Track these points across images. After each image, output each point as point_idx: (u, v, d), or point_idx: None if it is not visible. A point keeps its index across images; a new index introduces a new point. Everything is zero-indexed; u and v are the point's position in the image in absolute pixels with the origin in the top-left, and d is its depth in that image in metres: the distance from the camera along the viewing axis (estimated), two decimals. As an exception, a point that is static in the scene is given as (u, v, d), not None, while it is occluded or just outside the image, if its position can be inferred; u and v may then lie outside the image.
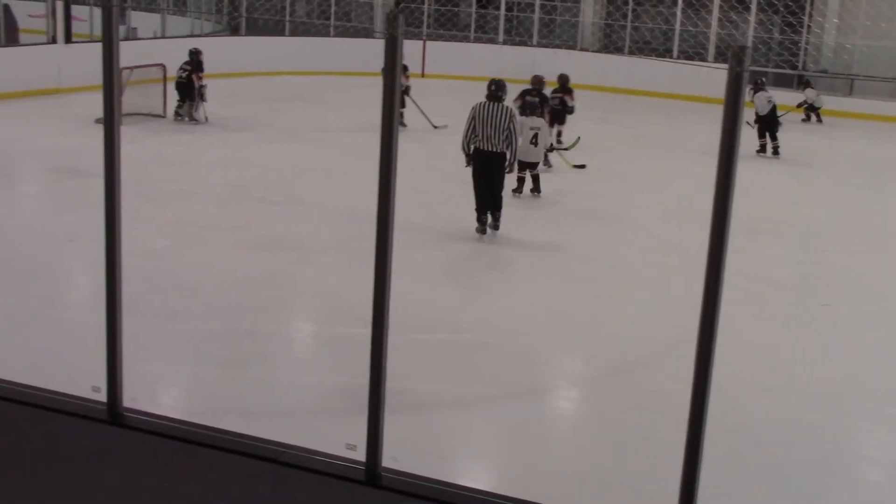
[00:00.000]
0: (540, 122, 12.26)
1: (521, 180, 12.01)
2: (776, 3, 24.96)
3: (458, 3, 28.00)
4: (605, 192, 13.00)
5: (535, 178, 12.24)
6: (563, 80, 15.93)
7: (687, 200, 11.79)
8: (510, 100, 10.72)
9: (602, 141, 16.91)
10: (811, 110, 21.31)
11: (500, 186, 9.99)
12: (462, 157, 10.12)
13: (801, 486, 5.47)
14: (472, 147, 9.94)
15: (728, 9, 25.53)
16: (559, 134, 15.60)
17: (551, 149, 13.76)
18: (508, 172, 10.14)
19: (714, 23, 25.27)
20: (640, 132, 18.84)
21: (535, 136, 11.97)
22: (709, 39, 25.35)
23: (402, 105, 17.57)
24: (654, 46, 25.91)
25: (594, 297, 8.54)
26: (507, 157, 9.92)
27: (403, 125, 17.49)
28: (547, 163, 13.58)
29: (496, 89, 9.99)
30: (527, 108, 12.57)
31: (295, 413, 5.95)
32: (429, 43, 25.20)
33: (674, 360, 6.87)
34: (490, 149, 9.82)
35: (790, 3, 24.91)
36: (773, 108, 16.64)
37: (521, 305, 8.17)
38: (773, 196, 13.27)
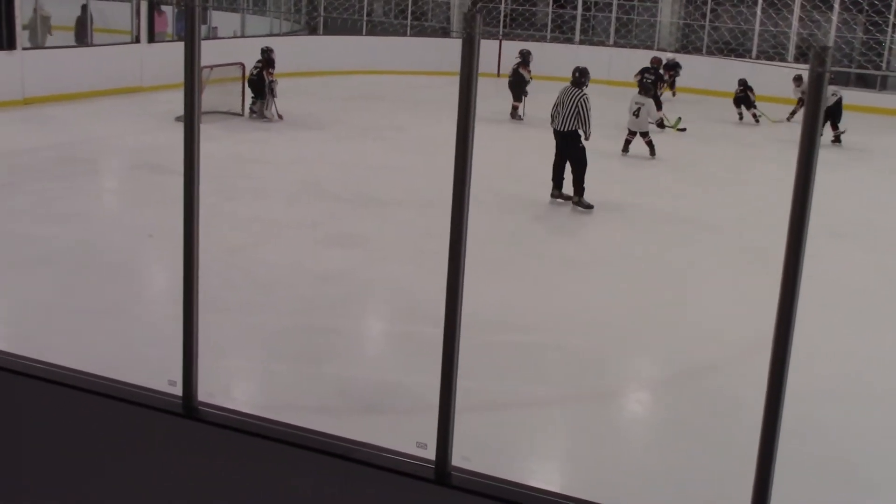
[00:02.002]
0: (644, 99, 14.93)
1: (627, 142, 14.98)
2: (860, 2, 24.45)
3: (536, 2, 27.92)
4: (684, 192, 12.87)
5: (649, 144, 14.86)
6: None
7: (765, 202, 11.62)
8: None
9: (682, 140, 16.76)
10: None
11: (577, 164, 11.00)
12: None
13: (878, 493, 5.36)
14: (553, 127, 11.26)
15: (810, 8, 25.07)
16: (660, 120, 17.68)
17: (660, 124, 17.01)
18: (587, 139, 11.16)
19: (795, 22, 24.83)
20: (717, 133, 18.59)
21: (638, 109, 14.75)
22: (789, 39, 24.93)
23: (519, 99, 18.21)
24: (734, 47, 25.53)
25: (667, 300, 8.45)
26: (581, 134, 11.07)
27: (520, 118, 17.96)
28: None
29: (579, 76, 11.34)
30: (640, 86, 15.89)
31: (367, 410, 5.98)
32: (505, 42, 25.14)
33: (748, 365, 6.77)
34: (562, 128, 11.08)
35: (875, 2, 24.37)
36: (839, 101, 17.09)
37: (593, 306, 8.12)
38: (851, 198, 13.00)
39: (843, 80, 24.06)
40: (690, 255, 9.92)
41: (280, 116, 16.32)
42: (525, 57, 18.29)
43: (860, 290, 9.02)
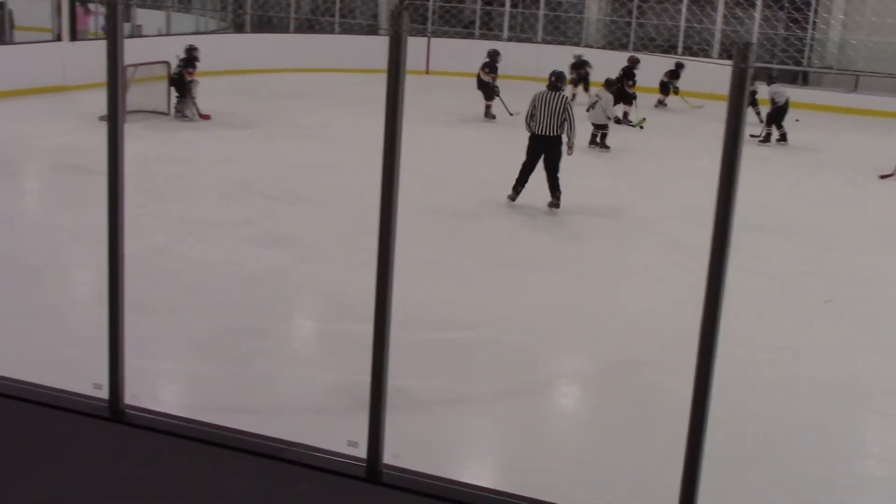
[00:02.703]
0: (602, 93, 15.74)
1: (592, 136, 15.65)
2: (782, -1, 24.93)
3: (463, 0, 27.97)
4: (617, 190, 13.00)
5: (602, 137, 15.62)
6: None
7: (692, 197, 11.78)
8: None
9: (621, 136, 16.92)
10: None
11: (556, 168, 11.02)
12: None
13: (805, 484, 5.47)
14: (529, 131, 11.15)
15: (733, 5, 25.48)
16: (625, 114, 18.49)
17: (618, 122, 17.11)
18: (569, 153, 11.13)
19: (719, 19, 25.20)
20: (644, 131, 18.80)
21: (594, 104, 15.58)
22: (714, 36, 25.30)
23: (491, 98, 18.27)
24: (659, 43, 25.84)
25: (598, 296, 8.53)
26: (564, 140, 11.03)
27: (492, 116, 18.22)
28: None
29: (556, 80, 11.30)
30: (606, 82, 16.44)
31: (297, 410, 5.95)
32: (433, 40, 25.15)
33: (677, 358, 6.86)
34: (546, 133, 10.99)
35: (796, 0, 24.86)
36: (787, 101, 17.51)
37: (525, 303, 8.16)
38: (778, 192, 13.24)
39: (766, 77, 24.48)
40: (623, 251, 10.02)
41: (203, 116, 16.08)
42: (492, 58, 18.42)
43: (787, 282, 9.19)
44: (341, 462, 3.15)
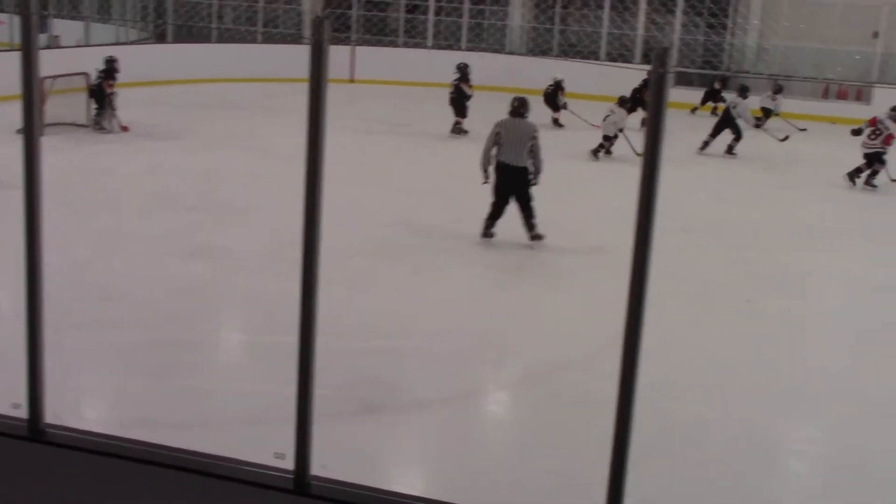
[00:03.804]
0: (615, 108, 16.22)
1: (599, 145, 16.08)
2: (700, 5, 25.34)
3: (387, 8, 27.98)
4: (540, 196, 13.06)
5: (608, 147, 16.05)
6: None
7: (618, 202, 11.90)
8: None
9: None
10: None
11: (527, 197, 10.05)
12: (479, 174, 10.08)
13: (729, 481, 5.55)
14: (495, 161, 9.98)
15: (654, 11, 25.87)
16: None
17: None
18: (534, 185, 10.08)
19: (640, 25, 25.57)
20: (568, 136, 18.96)
21: (607, 117, 16.11)
22: (635, 42, 25.65)
23: (462, 114, 17.72)
24: (579, 49, 26.12)
25: (524, 301, 8.58)
26: (530, 169, 9.97)
27: (465, 132, 17.56)
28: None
29: (519, 106, 10.21)
30: (620, 100, 16.62)
31: (224, 423, 5.89)
32: (358, 48, 25.12)
33: (604, 361, 6.91)
34: (514, 162, 9.90)
35: (713, 6, 25.31)
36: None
37: (451, 310, 8.17)
38: (703, 195, 13.45)
39: (686, 81, 24.91)
40: (547, 256, 10.08)
41: (123, 128, 15.82)
42: (463, 71, 17.88)
43: (709, 283, 9.33)
44: (269, 475, 3.12)
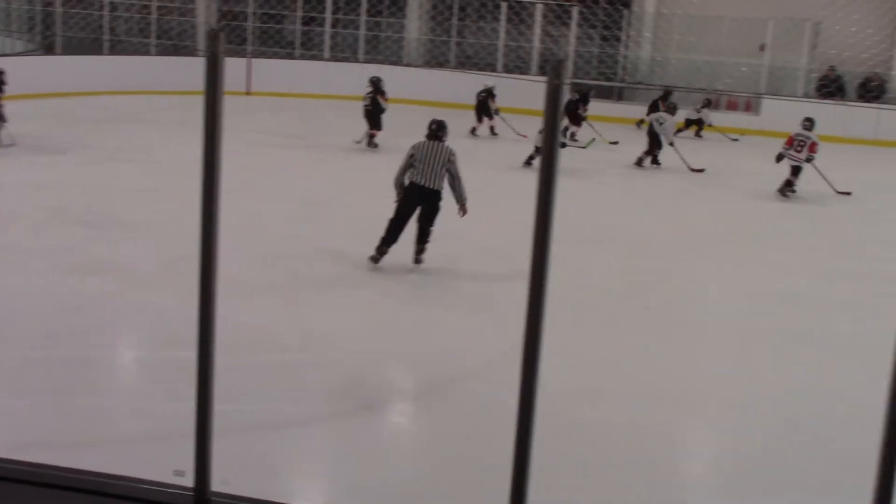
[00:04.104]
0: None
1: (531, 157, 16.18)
2: (594, 18, 25.79)
3: (283, 20, 27.82)
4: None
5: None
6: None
7: (515, 212, 12.01)
8: None
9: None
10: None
11: (432, 222, 9.76)
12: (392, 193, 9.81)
13: (632, 486, 5.63)
14: (408, 181, 9.66)
15: (549, 23, 26.24)
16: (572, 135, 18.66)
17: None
18: (462, 216, 9.82)
19: (536, 37, 25.90)
20: (467, 146, 19.11)
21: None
22: (531, 54, 25.97)
23: (378, 127, 17.56)
24: (475, 61, 26.34)
25: (422, 311, 8.59)
26: (442, 195, 9.65)
27: (376, 145, 17.48)
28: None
29: (437, 129, 9.85)
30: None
31: (122, 441, 5.77)
32: (254, 61, 24.93)
33: (504, 370, 6.97)
34: (429, 185, 9.58)
35: (607, 18, 25.79)
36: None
37: (350, 323, 8.14)
38: (597, 204, 13.67)
39: (630, 97, 25.51)
40: (444, 269, 10.11)
41: (11, 142, 15.37)
42: (376, 84, 17.67)
43: (606, 291, 9.48)
44: (168, 493, 3.06)
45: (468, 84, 21.62)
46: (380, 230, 9.61)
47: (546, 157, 2.76)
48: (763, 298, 9.63)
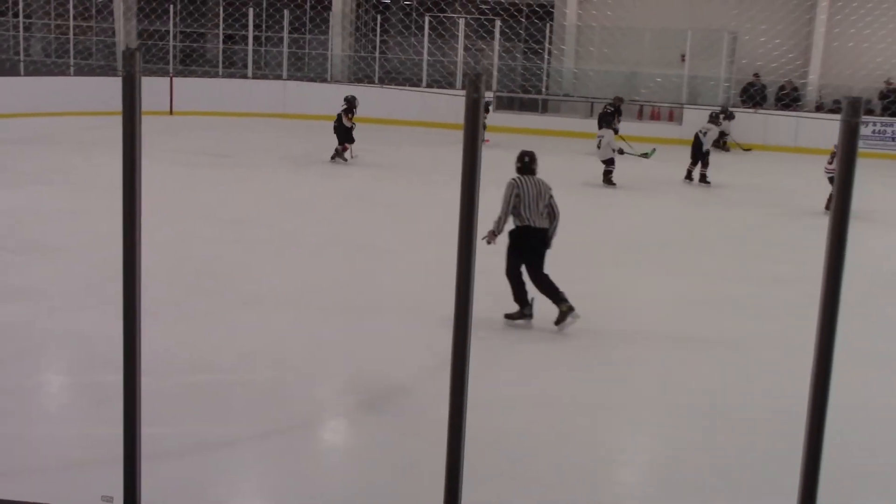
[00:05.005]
0: (603, 132, 17.55)
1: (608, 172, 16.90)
2: (517, 30, 26.03)
3: (205, 39, 27.63)
4: (362, 222, 13.11)
5: (607, 174, 16.86)
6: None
7: (442, 225, 12.04)
8: None
9: (354, 170, 17.15)
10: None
11: (543, 262, 8.69)
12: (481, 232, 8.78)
13: (553, 491, 5.67)
14: (514, 226, 8.61)
15: (473, 37, 26.42)
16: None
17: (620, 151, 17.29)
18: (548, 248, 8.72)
19: (460, 51, 26.03)
20: (393, 161, 19.13)
21: (599, 141, 17.09)
22: (457, 67, 26.09)
23: (350, 141, 17.86)
24: (395, 76, 26.38)
25: (350, 329, 8.54)
26: (549, 231, 8.65)
27: (344, 160, 17.80)
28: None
29: (530, 161, 8.81)
30: (601, 119, 19.92)
31: (48, 469, 5.62)
32: (176, 80, 24.69)
33: (433, 383, 6.98)
34: (539, 225, 8.56)
35: (530, 30, 26.05)
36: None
37: (274, 341, 8.06)
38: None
39: (508, 105, 25.58)
40: (371, 281, 10.09)
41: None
42: (351, 103, 17.88)
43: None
44: (97, 519, 3.02)
45: (392, 100, 21.65)
46: (309, 242, 9.56)
47: (467, 170, 2.78)
48: (687, 304, 9.78)
